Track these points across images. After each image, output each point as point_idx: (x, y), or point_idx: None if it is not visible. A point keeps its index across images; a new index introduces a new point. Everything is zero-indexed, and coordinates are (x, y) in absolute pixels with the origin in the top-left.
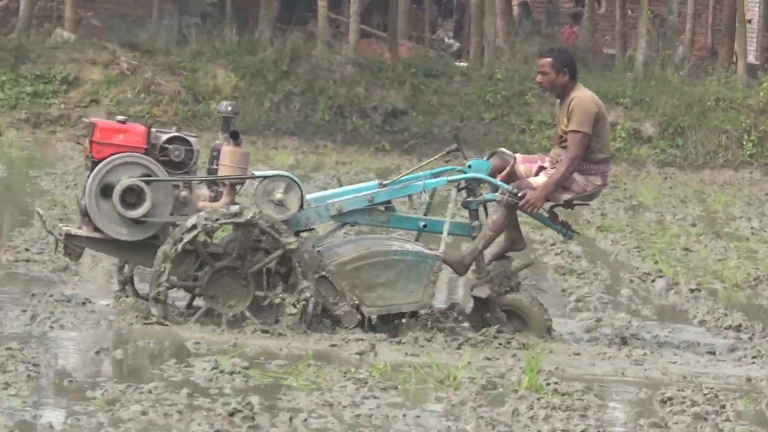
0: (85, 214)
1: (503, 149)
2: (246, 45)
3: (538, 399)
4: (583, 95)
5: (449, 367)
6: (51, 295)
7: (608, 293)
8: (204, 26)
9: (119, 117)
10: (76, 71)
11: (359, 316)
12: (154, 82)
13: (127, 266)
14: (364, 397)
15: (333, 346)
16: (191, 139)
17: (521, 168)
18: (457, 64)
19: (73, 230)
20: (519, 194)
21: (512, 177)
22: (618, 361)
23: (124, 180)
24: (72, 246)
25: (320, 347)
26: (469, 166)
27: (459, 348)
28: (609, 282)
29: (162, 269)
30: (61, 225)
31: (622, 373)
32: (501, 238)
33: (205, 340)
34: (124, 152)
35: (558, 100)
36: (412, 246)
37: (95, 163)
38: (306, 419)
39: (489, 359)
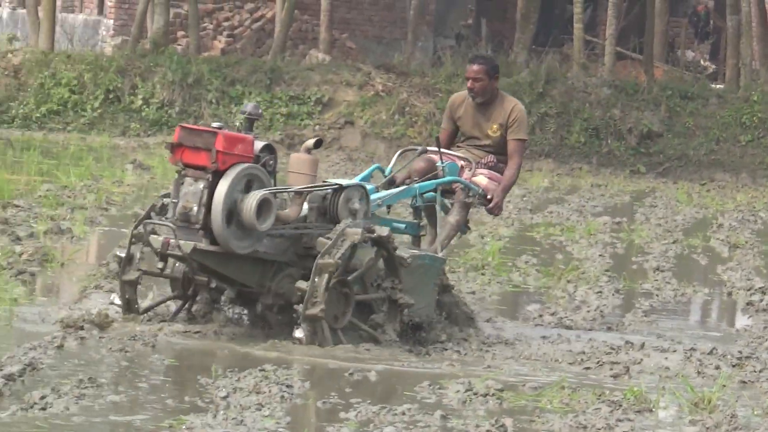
0: (202, 227)
1: (429, 148)
2: (501, 67)
3: None
4: (518, 104)
5: (704, 390)
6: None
7: None
8: (459, 48)
9: (215, 123)
10: (331, 93)
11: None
12: (409, 104)
13: (128, 287)
14: (618, 420)
15: (587, 369)
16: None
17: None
18: (712, 86)
19: (203, 245)
20: (488, 197)
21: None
22: None
23: (260, 192)
24: (193, 261)
25: (574, 370)
26: (443, 170)
27: (716, 369)
28: None
29: (321, 285)
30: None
31: None
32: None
33: (457, 361)
34: (245, 162)
35: (476, 103)
36: (419, 250)
37: (218, 174)
38: None
39: (744, 383)
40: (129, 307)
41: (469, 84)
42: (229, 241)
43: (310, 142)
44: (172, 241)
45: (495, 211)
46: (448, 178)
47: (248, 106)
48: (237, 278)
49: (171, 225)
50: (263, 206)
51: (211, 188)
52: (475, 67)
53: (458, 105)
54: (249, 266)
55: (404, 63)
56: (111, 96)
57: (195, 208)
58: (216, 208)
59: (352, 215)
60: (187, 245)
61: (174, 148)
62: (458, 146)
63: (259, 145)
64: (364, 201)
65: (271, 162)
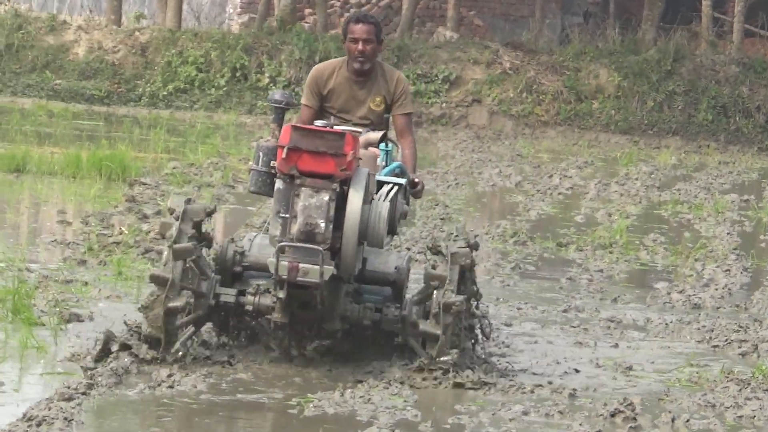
0: (330, 247)
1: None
2: (629, 44)
3: None
4: (401, 74)
5: None
6: None
7: None
8: (587, 26)
9: (318, 122)
10: (458, 70)
11: None
12: (537, 82)
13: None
14: (747, 399)
15: (715, 347)
16: None
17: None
18: None
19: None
20: (416, 180)
21: None
22: None
23: (386, 203)
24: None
25: (702, 348)
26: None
27: None
28: None
29: (449, 329)
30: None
31: None
32: None
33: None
34: (360, 167)
35: (357, 72)
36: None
37: (344, 182)
38: (688, 420)
39: None
40: (168, 341)
41: (359, 47)
42: (355, 262)
43: (374, 136)
44: (302, 266)
45: (420, 195)
46: (395, 164)
47: (276, 93)
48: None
49: (290, 244)
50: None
51: (338, 200)
52: (365, 26)
53: (327, 77)
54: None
55: (532, 41)
56: (237, 74)
57: (322, 225)
58: (351, 224)
59: (403, 217)
60: (327, 270)
61: (288, 152)
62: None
63: None
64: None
65: None
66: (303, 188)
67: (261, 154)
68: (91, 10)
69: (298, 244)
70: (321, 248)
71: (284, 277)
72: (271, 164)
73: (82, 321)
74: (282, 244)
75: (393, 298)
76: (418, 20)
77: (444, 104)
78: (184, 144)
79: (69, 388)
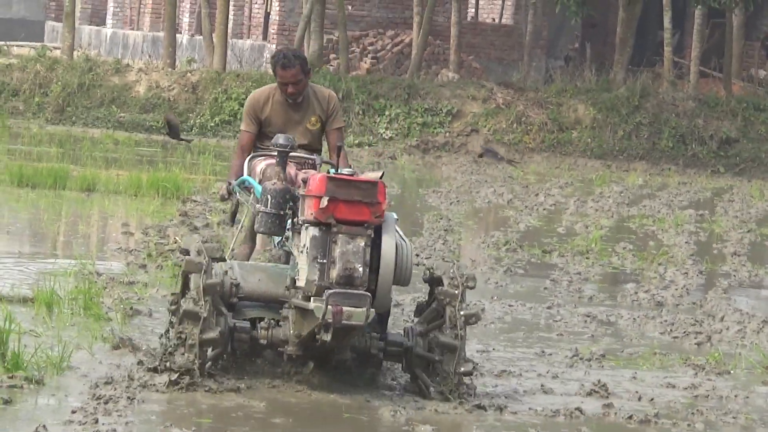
0: (367, 289)
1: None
2: (603, 83)
3: None
4: (332, 91)
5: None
6: None
7: None
8: (567, 68)
9: (346, 170)
10: (459, 105)
11: None
12: (525, 115)
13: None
14: (702, 381)
15: (675, 338)
16: None
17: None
18: None
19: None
20: None
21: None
22: None
23: (409, 244)
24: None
25: (664, 339)
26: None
27: None
28: None
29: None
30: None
31: None
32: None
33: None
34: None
35: (289, 100)
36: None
37: (378, 228)
38: (652, 399)
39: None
40: (201, 370)
41: (290, 89)
42: (389, 302)
43: (373, 174)
44: (346, 309)
45: None
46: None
47: (280, 137)
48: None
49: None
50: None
51: (373, 245)
52: (291, 71)
53: (263, 103)
54: None
55: (521, 80)
56: None
57: (360, 269)
58: (387, 267)
59: None
60: (371, 313)
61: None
62: (261, 147)
63: None
64: None
65: None
66: (340, 235)
67: (270, 197)
68: (150, 56)
69: (342, 290)
70: (364, 292)
71: (330, 320)
72: (288, 207)
73: (143, 315)
74: (332, 291)
75: (378, 324)
76: (425, 63)
77: (447, 133)
78: (229, 168)
79: (130, 372)
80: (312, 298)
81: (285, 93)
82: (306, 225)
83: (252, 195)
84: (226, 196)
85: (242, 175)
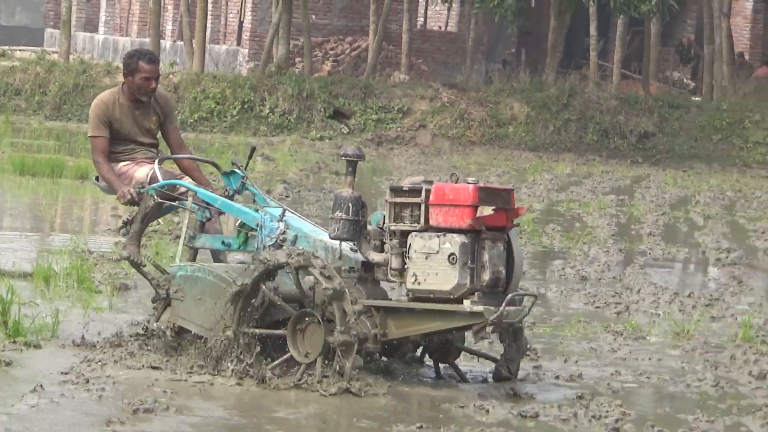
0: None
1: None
2: (536, 84)
3: (750, 347)
4: (165, 92)
5: (684, 324)
6: None
7: None
8: (504, 70)
9: (470, 179)
10: (409, 103)
11: None
12: (467, 112)
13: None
14: (620, 345)
15: (597, 308)
16: None
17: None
18: (693, 98)
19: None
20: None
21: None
22: None
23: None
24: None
25: (588, 309)
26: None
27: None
28: None
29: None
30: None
31: None
32: None
33: None
34: None
35: (133, 103)
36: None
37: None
38: (577, 360)
39: (714, 318)
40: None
41: (152, 85)
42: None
43: (413, 180)
44: (506, 310)
45: None
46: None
47: (349, 149)
48: None
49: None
50: None
51: (508, 249)
52: (155, 66)
53: (111, 108)
54: None
55: (464, 81)
56: (245, 106)
57: (503, 272)
58: (519, 267)
59: None
60: (523, 311)
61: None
62: (116, 151)
63: None
64: None
65: None
66: (486, 241)
67: (350, 204)
68: None
69: (490, 291)
70: (531, 292)
71: (494, 320)
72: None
73: (129, 289)
74: (513, 296)
75: None
76: (379, 66)
77: (398, 129)
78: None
79: (118, 338)
80: (465, 301)
81: (146, 89)
82: (443, 232)
83: (190, 199)
84: (136, 200)
85: (146, 180)
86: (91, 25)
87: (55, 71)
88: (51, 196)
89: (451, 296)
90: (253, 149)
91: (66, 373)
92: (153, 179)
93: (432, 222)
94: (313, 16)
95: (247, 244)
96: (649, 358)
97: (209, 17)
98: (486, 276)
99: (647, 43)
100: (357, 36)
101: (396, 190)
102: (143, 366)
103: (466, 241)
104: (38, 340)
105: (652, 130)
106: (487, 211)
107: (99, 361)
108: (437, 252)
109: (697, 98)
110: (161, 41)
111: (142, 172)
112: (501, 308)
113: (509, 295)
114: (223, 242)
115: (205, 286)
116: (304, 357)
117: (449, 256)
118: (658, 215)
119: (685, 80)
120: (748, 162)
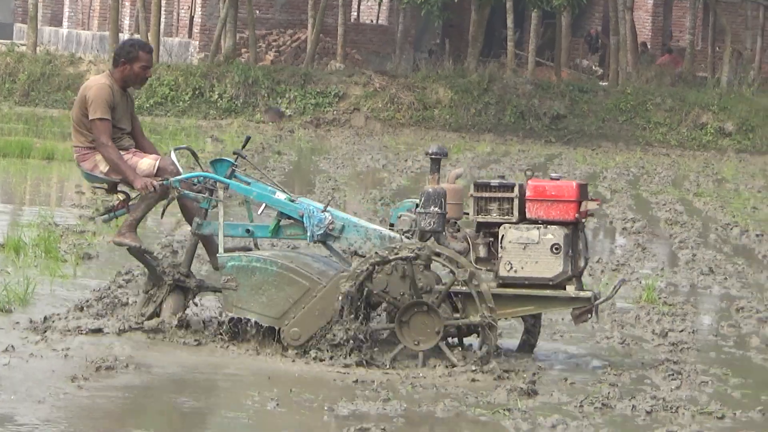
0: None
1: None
2: (459, 71)
3: (653, 308)
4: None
5: (593, 286)
6: None
7: (700, 237)
8: (430, 59)
9: (553, 174)
10: (344, 89)
11: None
12: (397, 96)
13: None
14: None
15: None
16: None
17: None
18: (600, 83)
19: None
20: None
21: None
22: (708, 280)
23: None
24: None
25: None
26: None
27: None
28: (701, 229)
29: None
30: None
31: (709, 290)
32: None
33: None
34: None
35: (122, 91)
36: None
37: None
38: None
39: (624, 281)
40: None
41: (149, 73)
42: None
43: (457, 172)
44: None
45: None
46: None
47: (433, 146)
48: None
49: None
50: None
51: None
52: (151, 56)
53: (113, 93)
54: None
55: (393, 69)
56: (196, 92)
57: (589, 259)
58: (588, 254)
59: None
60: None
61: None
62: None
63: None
64: None
65: None
66: (581, 232)
67: (442, 199)
68: (98, 51)
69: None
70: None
71: (596, 303)
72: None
73: (92, 258)
74: (622, 280)
75: None
76: (317, 56)
77: (335, 112)
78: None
79: (82, 301)
80: (569, 287)
81: (144, 77)
82: (544, 224)
83: (221, 192)
84: (159, 192)
85: (152, 171)
86: (56, 20)
87: (24, 62)
88: (20, 175)
89: (550, 282)
90: (248, 138)
91: (35, 335)
92: (160, 170)
93: (531, 215)
94: (257, 11)
95: (279, 233)
96: (563, 319)
97: (163, 12)
98: (581, 263)
99: (559, 33)
100: (297, 29)
101: (481, 186)
102: (104, 329)
103: (568, 233)
104: (9, 305)
105: (564, 112)
106: (591, 205)
107: (64, 327)
108: (537, 242)
109: (604, 83)
110: (119, 34)
111: (145, 162)
112: (612, 292)
113: (619, 279)
114: (248, 230)
115: (265, 276)
116: (415, 345)
117: (552, 246)
118: None
119: (593, 67)
120: (650, 141)
